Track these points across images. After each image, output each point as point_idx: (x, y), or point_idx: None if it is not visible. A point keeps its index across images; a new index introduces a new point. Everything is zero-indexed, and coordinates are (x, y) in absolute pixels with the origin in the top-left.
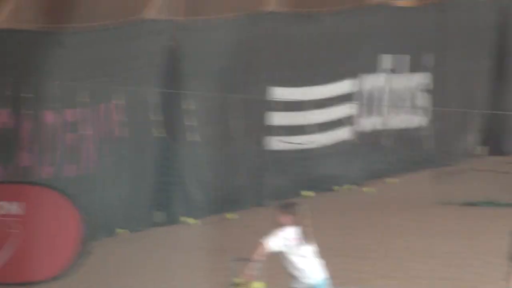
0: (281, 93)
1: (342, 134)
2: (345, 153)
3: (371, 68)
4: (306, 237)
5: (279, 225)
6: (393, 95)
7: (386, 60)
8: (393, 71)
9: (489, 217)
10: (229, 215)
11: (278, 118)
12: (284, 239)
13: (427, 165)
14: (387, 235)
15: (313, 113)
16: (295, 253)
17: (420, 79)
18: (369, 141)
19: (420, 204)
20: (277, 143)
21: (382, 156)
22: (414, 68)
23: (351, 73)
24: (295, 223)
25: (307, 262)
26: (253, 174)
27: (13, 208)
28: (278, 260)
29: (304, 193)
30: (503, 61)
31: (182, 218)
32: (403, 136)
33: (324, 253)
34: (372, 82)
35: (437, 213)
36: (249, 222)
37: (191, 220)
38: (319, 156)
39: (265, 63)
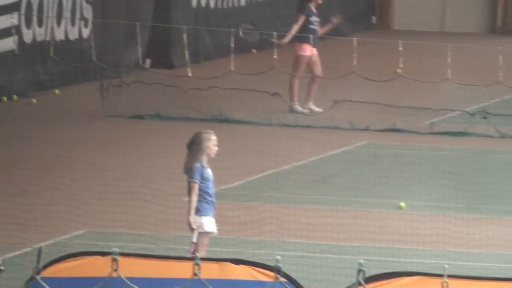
0: None
1: (6, 44)
2: (9, 63)
3: None
4: None
5: None
6: (56, 6)
7: None
8: None
9: (156, 129)
10: None
11: None
12: None
13: (93, 77)
14: (54, 147)
15: None
16: None
17: None
18: (33, 52)
19: (88, 116)
20: None
21: (46, 67)
22: None
23: None
24: None
25: None
26: None
27: None
28: None
29: None
30: None
31: None
32: (67, 47)
33: None
34: None
35: (106, 125)
36: None
37: None
38: None
39: None
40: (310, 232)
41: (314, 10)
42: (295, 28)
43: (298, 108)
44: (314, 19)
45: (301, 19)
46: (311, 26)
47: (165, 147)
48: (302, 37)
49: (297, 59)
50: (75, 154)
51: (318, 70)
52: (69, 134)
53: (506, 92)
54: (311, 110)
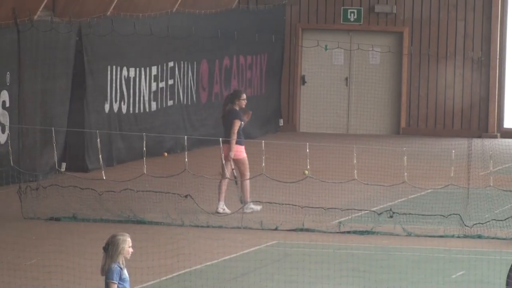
0: None
1: None
2: None
3: None
4: None
5: None
6: None
7: None
8: None
9: (72, 231)
10: None
11: None
12: None
13: (11, 180)
14: None
15: None
16: None
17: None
18: None
19: (5, 219)
20: None
21: None
22: None
23: None
24: None
25: None
26: None
27: None
28: None
29: None
30: (80, 80)
31: None
32: None
33: None
34: None
35: (22, 227)
36: None
37: None
38: None
39: None
40: None
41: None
42: (234, 132)
43: (256, 207)
44: (243, 123)
45: (237, 124)
46: (242, 129)
47: (82, 248)
48: (239, 141)
49: (243, 161)
50: None
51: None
52: None
53: (411, 191)
54: (252, 209)
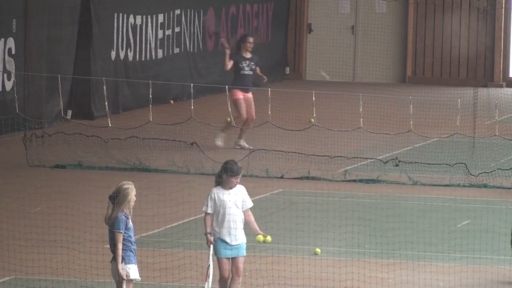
0: None
1: None
2: None
3: None
4: None
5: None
6: None
7: None
8: None
9: (77, 179)
10: None
11: None
12: None
13: (17, 128)
14: None
15: None
16: None
17: (6, 44)
18: None
19: (11, 166)
20: None
21: None
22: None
23: None
24: None
25: None
26: None
27: None
28: None
29: None
30: (87, 27)
31: None
32: None
33: None
34: None
35: (28, 175)
36: None
37: None
38: None
39: None
40: None
41: (247, 56)
42: (228, 63)
43: (245, 144)
44: (244, 64)
45: (230, 64)
46: (241, 72)
47: (87, 195)
48: (234, 83)
49: (234, 103)
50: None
51: (251, 112)
52: None
53: (417, 140)
54: (242, 147)
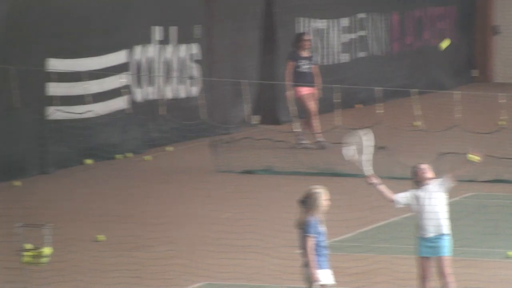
0: (57, 64)
1: (118, 103)
2: (122, 122)
3: (144, 39)
4: None
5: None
6: (165, 65)
7: (157, 31)
8: (164, 42)
9: (266, 184)
10: (15, 183)
11: (56, 89)
12: None
13: (203, 134)
14: (169, 202)
15: (90, 84)
16: None
17: (190, 50)
18: (145, 110)
19: (199, 172)
20: (56, 112)
21: (158, 125)
22: (184, 39)
23: (125, 44)
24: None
25: None
26: (35, 143)
27: None
28: None
29: (86, 161)
30: (270, 32)
31: None
32: (177, 105)
33: (110, 220)
34: (145, 52)
35: (216, 180)
36: (34, 189)
37: None
38: (98, 125)
39: (41, 34)
40: None
41: (304, 55)
42: (287, 74)
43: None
44: (302, 63)
45: (289, 66)
46: (298, 70)
47: (276, 201)
48: (295, 82)
49: (299, 100)
50: (189, 209)
51: (313, 106)
52: (183, 189)
53: None
54: (320, 143)
